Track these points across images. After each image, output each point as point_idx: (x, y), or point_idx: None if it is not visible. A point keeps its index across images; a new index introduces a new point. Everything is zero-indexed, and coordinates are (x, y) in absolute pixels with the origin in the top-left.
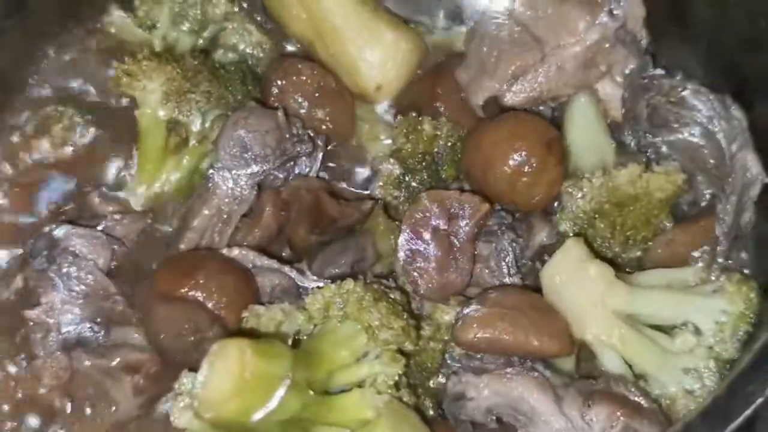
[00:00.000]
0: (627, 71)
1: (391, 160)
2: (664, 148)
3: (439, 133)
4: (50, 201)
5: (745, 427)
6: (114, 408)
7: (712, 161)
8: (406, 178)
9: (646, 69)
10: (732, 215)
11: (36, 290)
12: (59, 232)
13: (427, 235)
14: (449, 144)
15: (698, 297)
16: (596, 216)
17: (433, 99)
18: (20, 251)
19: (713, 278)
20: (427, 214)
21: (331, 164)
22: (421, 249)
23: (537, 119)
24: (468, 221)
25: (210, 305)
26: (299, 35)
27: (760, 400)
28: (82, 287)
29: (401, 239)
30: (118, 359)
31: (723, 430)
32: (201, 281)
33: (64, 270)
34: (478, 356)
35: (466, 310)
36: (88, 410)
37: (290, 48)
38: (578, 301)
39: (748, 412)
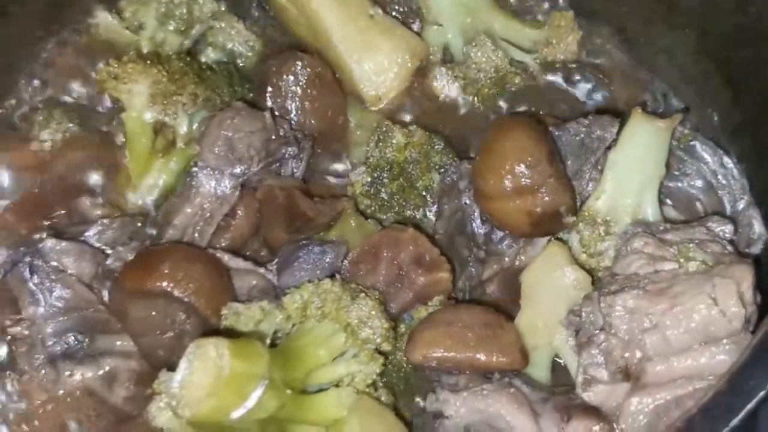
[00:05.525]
0: None
1: (362, 168)
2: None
3: (409, 141)
4: (38, 207)
5: (747, 421)
6: (106, 416)
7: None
8: (376, 187)
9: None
10: None
11: (15, 298)
12: (45, 245)
13: (383, 262)
14: (423, 152)
15: None
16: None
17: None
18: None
19: None
20: (398, 248)
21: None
22: (371, 267)
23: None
24: (423, 279)
25: (179, 294)
26: (300, 36)
27: (761, 394)
28: (64, 301)
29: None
30: (106, 368)
31: (725, 426)
32: (166, 271)
33: (47, 284)
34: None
35: (416, 329)
36: (82, 421)
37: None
38: (552, 305)
39: (750, 406)
